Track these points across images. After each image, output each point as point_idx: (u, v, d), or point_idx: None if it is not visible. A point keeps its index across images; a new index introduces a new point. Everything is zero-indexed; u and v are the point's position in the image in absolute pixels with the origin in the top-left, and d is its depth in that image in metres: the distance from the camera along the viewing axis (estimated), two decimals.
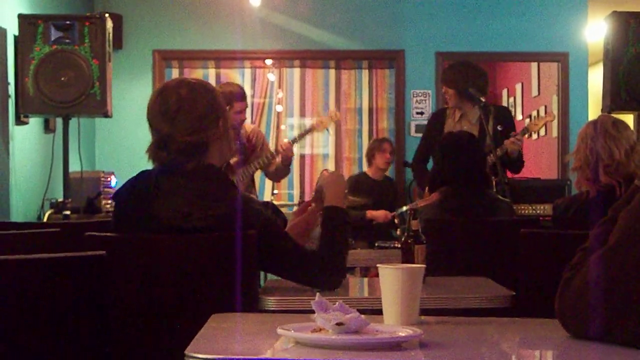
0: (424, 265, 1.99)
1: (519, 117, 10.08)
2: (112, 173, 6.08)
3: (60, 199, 5.42)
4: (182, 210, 2.43)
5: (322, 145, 8.08)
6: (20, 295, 1.85)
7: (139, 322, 2.41)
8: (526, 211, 5.91)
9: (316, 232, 2.85)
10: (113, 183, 5.97)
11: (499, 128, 5.27)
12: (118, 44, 7.17)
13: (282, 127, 8.25)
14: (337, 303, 1.62)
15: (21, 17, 5.20)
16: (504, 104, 10.58)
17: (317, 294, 1.66)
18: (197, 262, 2.42)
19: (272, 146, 6.93)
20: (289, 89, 8.13)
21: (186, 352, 1.46)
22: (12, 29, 5.28)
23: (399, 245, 3.09)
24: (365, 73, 7.97)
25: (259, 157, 5.49)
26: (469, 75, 5.31)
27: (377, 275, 1.87)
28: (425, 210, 3.77)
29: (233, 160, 4.79)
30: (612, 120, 3.63)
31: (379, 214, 6.53)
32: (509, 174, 5.46)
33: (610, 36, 5.38)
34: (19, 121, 5.42)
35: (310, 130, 5.74)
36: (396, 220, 5.41)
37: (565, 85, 7.78)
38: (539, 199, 6.14)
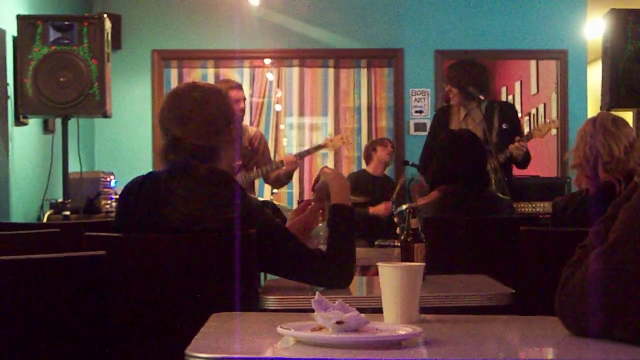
0: (423, 264, 1.99)
1: (518, 115, 10.07)
2: (112, 173, 6.07)
3: (60, 200, 5.42)
4: (193, 214, 2.44)
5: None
6: (20, 296, 1.85)
7: (139, 321, 2.41)
8: (526, 209, 5.91)
9: (316, 230, 2.85)
10: (112, 183, 5.97)
11: (504, 127, 5.27)
12: (117, 44, 7.16)
13: (281, 126, 8.25)
14: (337, 302, 1.62)
15: (20, 18, 5.20)
16: None
17: (317, 292, 1.66)
18: (197, 261, 2.42)
19: (271, 147, 6.94)
20: (288, 88, 8.14)
21: (186, 351, 1.47)
22: (11, 30, 5.28)
23: (399, 244, 3.09)
24: (364, 72, 7.97)
25: (259, 163, 5.51)
26: (471, 73, 5.31)
27: (376, 273, 1.87)
28: (425, 208, 3.77)
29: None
30: (612, 117, 3.62)
31: (380, 209, 6.55)
32: (515, 169, 5.46)
33: (609, 33, 5.38)
34: (18, 122, 5.42)
35: (319, 148, 5.78)
36: (396, 219, 5.41)
37: (564, 83, 7.78)
38: (539, 196, 6.14)
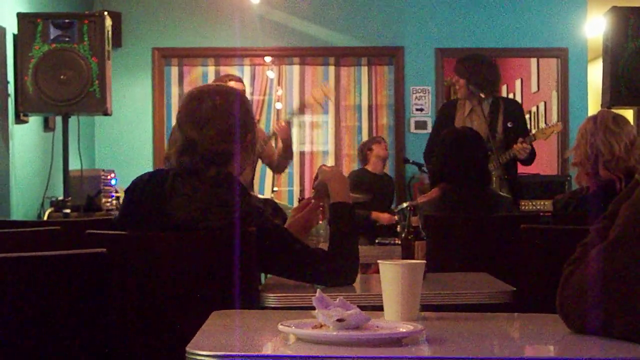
0: (424, 261, 1.99)
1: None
2: (112, 171, 6.07)
3: (61, 197, 5.42)
4: (196, 214, 2.44)
5: (321, 142, 8.08)
6: (20, 293, 1.85)
7: (140, 319, 2.41)
8: (526, 207, 5.92)
9: (316, 228, 2.85)
10: (113, 181, 5.96)
11: (509, 125, 5.26)
12: (117, 42, 7.16)
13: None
14: (337, 299, 1.62)
15: (20, 16, 5.20)
16: None
17: (318, 290, 1.66)
18: (198, 259, 2.42)
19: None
20: (289, 86, 8.12)
21: (187, 348, 1.47)
22: (12, 28, 5.28)
23: (399, 242, 3.09)
24: (364, 70, 7.97)
25: (263, 159, 5.50)
26: (480, 68, 5.30)
27: (377, 271, 1.87)
28: (425, 206, 3.77)
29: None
30: (612, 115, 3.63)
31: (383, 217, 6.54)
32: (519, 166, 5.46)
33: (609, 31, 5.38)
34: (18, 120, 5.42)
35: (303, 108, 5.72)
36: (396, 217, 5.41)
37: (565, 81, 7.78)
38: (539, 194, 6.15)
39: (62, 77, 5.16)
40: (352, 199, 2.67)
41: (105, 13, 5.35)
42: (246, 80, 7.94)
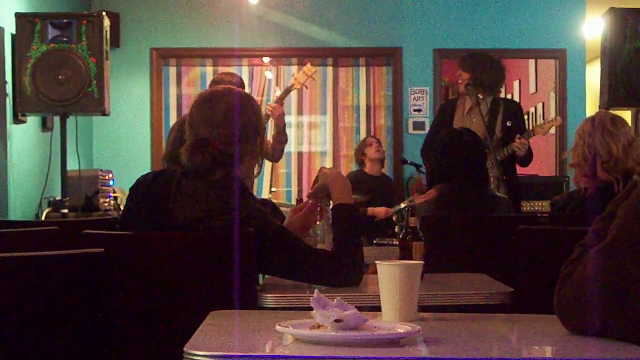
0: (422, 262, 1.99)
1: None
2: (110, 171, 6.07)
3: (59, 198, 5.42)
4: (199, 216, 2.44)
5: (319, 142, 8.08)
6: (19, 293, 1.85)
7: (138, 319, 2.41)
8: (525, 208, 5.92)
9: (314, 229, 2.85)
10: (111, 182, 5.96)
11: (508, 124, 5.27)
12: (115, 42, 7.16)
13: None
14: (335, 300, 1.62)
15: (19, 16, 5.20)
16: None
17: (316, 290, 1.66)
18: (196, 259, 2.42)
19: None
20: (287, 86, 8.12)
21: (185, 349, 1.46)
22: (10, 28, 5.27)
23: (397, 243, 3.08)
24: (363, 71, 7.97)
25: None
26: (485, 67, 5.30)
27: (375, 272, 1.87)
28: (423, 207, 3.77)
29: None
30: (610, 116, 3.63)
31: (379, 211, 6.54)
32: (518, 168, 5.46)
33: (608, 33, 5.38)
34: (16, 120, 5.41)
35: (290, 90, 5.71)
36: (394, 218, 5.41)
37: (563, 82, 7.79)
38: (538, 196, 6.15)
39: (60, 77, 5.15)
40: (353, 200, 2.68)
41: (104, 13, 5.35)
42: (244, 81, 7.94)
